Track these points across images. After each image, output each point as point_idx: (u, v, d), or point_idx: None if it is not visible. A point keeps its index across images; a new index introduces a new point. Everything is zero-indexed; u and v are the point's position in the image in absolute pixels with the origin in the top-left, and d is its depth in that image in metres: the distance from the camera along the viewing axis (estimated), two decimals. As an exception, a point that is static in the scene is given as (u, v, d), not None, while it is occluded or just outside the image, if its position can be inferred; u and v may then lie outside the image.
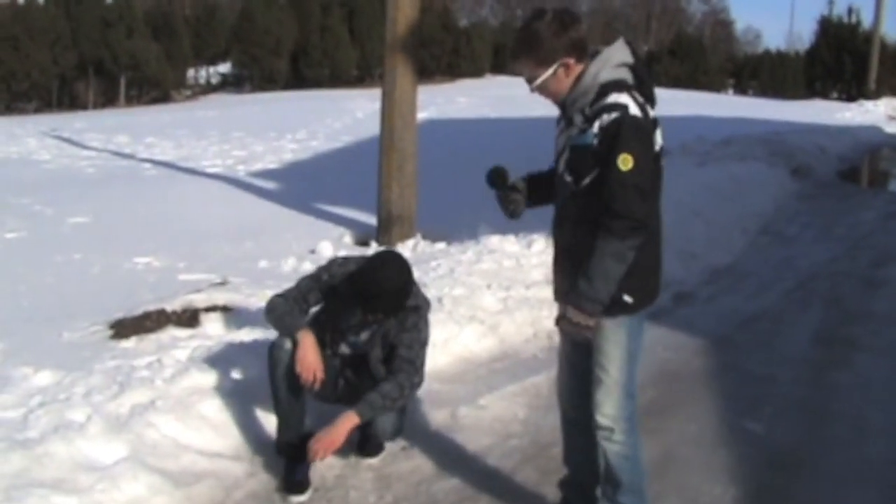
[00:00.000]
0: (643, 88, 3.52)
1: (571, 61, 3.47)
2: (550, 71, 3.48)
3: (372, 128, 12.02)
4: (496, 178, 3.93)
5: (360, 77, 49.71)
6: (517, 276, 7.66)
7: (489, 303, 7.11)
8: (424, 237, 9.42)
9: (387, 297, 4.35)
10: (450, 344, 6.41)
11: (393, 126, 9.54)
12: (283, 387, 4.47)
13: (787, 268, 9.37)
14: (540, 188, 3.96)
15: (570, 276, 3.61)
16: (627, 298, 3.53)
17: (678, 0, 78.34)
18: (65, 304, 7.35)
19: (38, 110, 41.05)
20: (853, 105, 35.96)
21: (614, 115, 3.37)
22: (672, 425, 5.29)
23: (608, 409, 3.66)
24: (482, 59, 53.40)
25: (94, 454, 4.44)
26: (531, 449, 4.95)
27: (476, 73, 51.54)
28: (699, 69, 52.67)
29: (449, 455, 4.90)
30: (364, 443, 4.81)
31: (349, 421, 4.30)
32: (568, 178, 3.58)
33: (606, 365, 3.63)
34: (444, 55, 50.05)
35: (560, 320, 3.57)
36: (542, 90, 3.57)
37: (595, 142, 3.41)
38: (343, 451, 4.71)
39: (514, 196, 3.95)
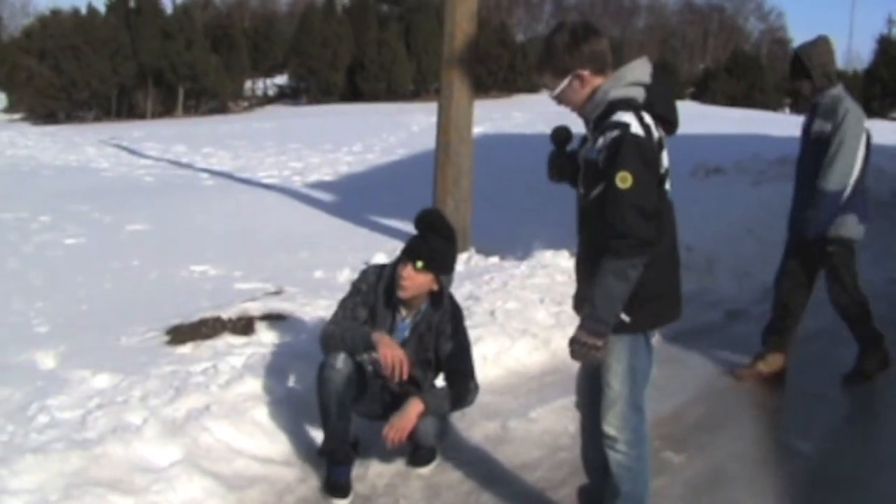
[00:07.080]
0: (655, 109, 3.55)
1: (586, 73, 3.56)
2: (565, 82, 3.59)
3: (427, 142, 12.07)
4: (557, 136, 3.97)
5: (416, 91, 49.97)
6: (569, 291, 7.55)
7: (542, 317, 7.13)
8: (478, 251, 9.43)
9: (439, 232, 4.52)
10: (502, 357, 6.44)
11: (449, 141, 9.56)
12: (333, 404, 4.49)
13: (843, 288, 9.24)
14: None
15: (582, 287, 3.80)
16: (624, 317, 3.57)
17: (735, 18, 77.99)
18: (122, 310, 7.45)
19: (97, 119, 41.78)
20: (913, 126, 35.50)
21: (615, 132, 3.43)
22: (722, 441, 5.27)
23: (611, 418, 3.77)
24: (538, 75, 53.42)
25: (149, 456, 4.53)
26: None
27: (532, 88, 51.55)
28: (756, 87, 52.40)
29: (498, 466, 4.93)
30: (415, 452, 4.84)
31: (415, 407, 4.41)
32: (581, 191, 3.71)
33: (609, 377, 3.74)
34: (501, 70, 50.19)
35: (570, 343, 3.62)
36: (561, 100, 3.68)
37: (599, 158, 3.50)
38: (393, 460, 4.76)
39: (561, 161, 3.97)
